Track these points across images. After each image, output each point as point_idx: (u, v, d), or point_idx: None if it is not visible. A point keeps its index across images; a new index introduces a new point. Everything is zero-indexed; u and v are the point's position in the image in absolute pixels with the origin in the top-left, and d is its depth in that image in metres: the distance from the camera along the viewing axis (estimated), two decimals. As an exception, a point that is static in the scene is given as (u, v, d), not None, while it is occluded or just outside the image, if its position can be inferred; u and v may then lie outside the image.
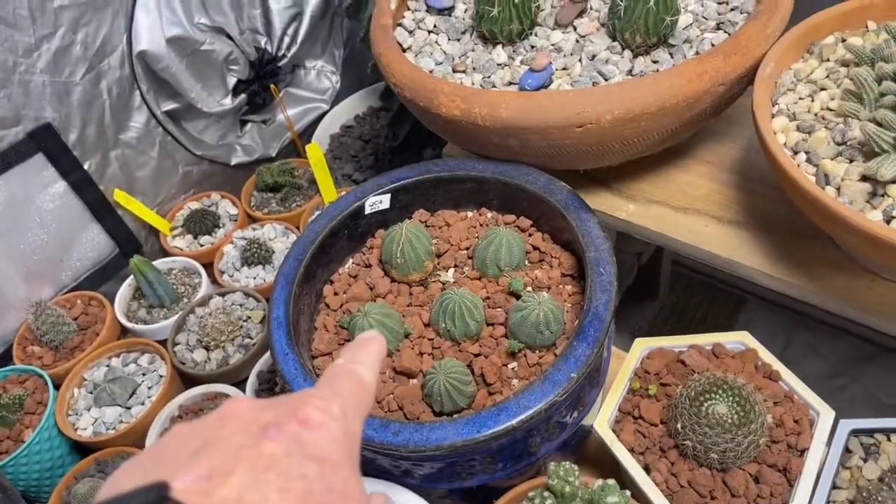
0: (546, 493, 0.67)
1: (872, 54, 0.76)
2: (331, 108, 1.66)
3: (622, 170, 0.95)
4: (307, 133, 1.62)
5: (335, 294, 0.90)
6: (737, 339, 0.86)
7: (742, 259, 0.85)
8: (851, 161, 0.70)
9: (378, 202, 0.92)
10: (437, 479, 0.75)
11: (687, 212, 0.91)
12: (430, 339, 0.81)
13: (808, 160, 0.72)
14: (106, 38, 1.15)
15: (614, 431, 0.80)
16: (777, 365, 0.83)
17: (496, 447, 0.70)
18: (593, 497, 0.65)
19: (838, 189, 0.69)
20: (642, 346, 0.88)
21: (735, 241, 0.86)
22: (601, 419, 0.81)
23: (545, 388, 0.67)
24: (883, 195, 0.67)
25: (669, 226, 0.90)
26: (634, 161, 0.92)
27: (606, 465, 0.80)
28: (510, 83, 0.91)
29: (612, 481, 0.65)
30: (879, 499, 0.70)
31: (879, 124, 0.68)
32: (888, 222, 0.65)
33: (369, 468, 0.78)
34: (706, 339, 0.87)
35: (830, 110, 0.75)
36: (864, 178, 0.68)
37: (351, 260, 0.94)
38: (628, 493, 0.65)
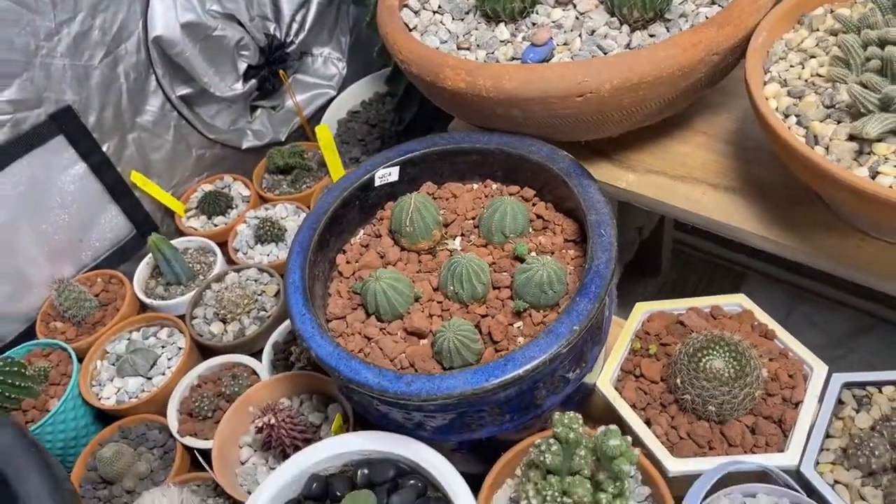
0: (552, 441, 0.71)
1: (859, 23, 0.79)
2: (338, 93, 1.70)
3: (622, 141, 0.99)
4: (315, 118, 1.67)
5: (347, 262, 0.94)
6: (734, 302, 0.90)
7: (738, 223, 0.89)
8: (839, 122, 0.74)
9: (387, 174, 0.96)
10: (448, 431, 0.79)
11: (685, 180, 0.95)
12: (439, 302, 0.85)
13: (799, 123, 0.76)
14: (123, 24, 1.19)
15: (617, 389, 0.84)
16: (772, 324, 0.87)
17: (504, 398, 0.74)
18: (597, 442, 0.69)
19: (827, 148, 0.72)
20: (643, 309, 0.91)
21: (731, 207, 0.90)
22: (604, 377, 0.85)
23: (549, 339, 0.71)
24: (869, 153, 0.70)
25: (668, 194, 0.94)
26: (634, 132, 0.96)
27: (610, 423, 0.83)
28: (513, 58, 0.94)
29: (613, 427, 0.68)
30: (871, 444, 0.73)
31: (865, 87, 0.72)
32: (873, 177, 0.69)
33: (383, 423, 0.82)
34: (705, 302, 0.91)
35: (820, 76, 0.79)
36: (851, 138, 0.72)
37: (362, 231, 0.98)
38: (629, 437, 0.69)
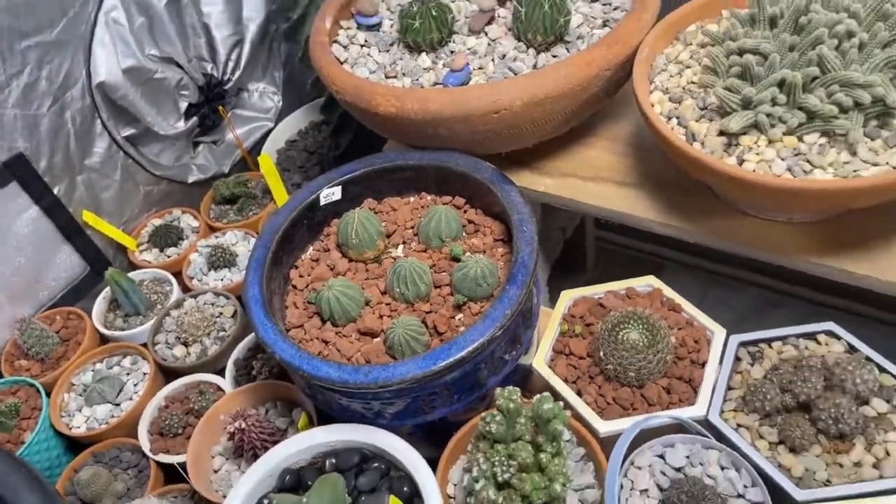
0: (495, 413, 0.81)
1: (724, 36, 0.94)
2: (275, 125, 1.78)
3: (538, 151, 1.11)
4: (255, 149, 1.75)
5: (300, 276, 1.02)
6: (646, 283, 1.02)
7: (641, 213, 1.02)
8: (711, 121, 0.88)
9: (331, 194, 1.06)
10: (405, 416, 0.88)
11: (594, 180, 1.08)
12: (387, 304, 0.95)
13: (679, 123, 0.89)
14: (68, 72, 1.26)
15: (550, 367, 0.95)
16: (679, 299, 1.00)
17: (451, 379, 0.84)
18: (534, 409, 0.79)
19: (702, 143, 0.86)
20: (568, 296, 1.03)
21: (633, 200, 1.03)
22: (538, 358, 0.96)
23: (486, 324, 0.82)
24: (736, 145, 0.84)
25: (580, 193, 1.07)
26: (547, 142, 1.09)
27: (546, 396, 0.94)
28: (436, 83, 1.06)
29: (546, 393, 0.79)
30: (763, 390, 0.86)
31: (729, 90, 0.86)
32: (740, 164, 0.82)
33: (345, 415, 0.91)
34: (620, 285, 1.03)
35: (694, 83, 0.93)
36: (721, 133, 0.86)
37: (311, 247, 1.07)
38: (561, 402, 0.79)
